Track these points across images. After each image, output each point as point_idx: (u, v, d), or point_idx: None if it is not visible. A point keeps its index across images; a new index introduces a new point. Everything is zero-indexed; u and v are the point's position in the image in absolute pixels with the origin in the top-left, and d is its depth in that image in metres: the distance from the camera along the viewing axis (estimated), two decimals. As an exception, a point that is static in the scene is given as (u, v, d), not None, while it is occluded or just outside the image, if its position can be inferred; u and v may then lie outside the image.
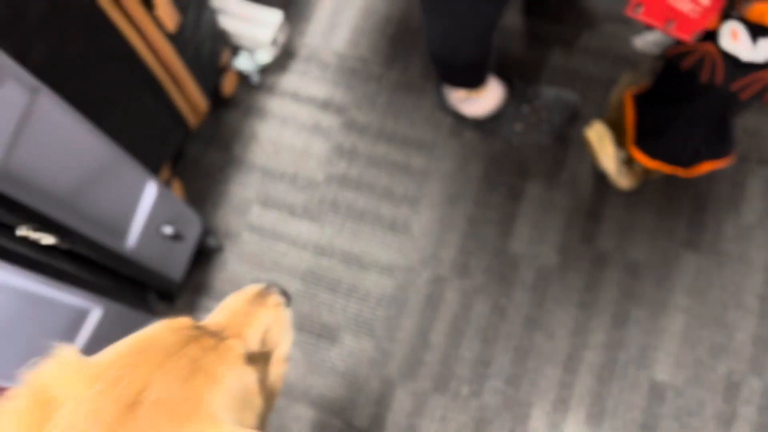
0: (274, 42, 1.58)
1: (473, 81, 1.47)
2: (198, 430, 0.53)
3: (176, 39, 1.30)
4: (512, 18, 1.69)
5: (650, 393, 1.38)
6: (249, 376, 0.62)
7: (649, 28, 1.48)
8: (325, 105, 1.66)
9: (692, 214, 1.49)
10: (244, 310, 0.71)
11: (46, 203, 0.94)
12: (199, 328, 0.65)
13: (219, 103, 1.66)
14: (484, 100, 1.54)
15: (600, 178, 1.52)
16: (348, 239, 1.55)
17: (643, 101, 1.34)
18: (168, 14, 1.23)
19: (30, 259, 0.94)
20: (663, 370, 1.39)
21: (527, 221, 1.53)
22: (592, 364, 1.41)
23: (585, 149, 1.54)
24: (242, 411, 0.59)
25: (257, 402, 0.62)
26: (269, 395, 0.70)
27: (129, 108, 1.26)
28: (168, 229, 1.29)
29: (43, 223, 0.91)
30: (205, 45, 1.46)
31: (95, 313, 1.15)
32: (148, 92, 1.30)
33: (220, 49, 1.54)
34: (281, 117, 1.66)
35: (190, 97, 1.45)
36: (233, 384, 0.59)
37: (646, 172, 1.41)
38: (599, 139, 1.40)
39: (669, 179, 1.50)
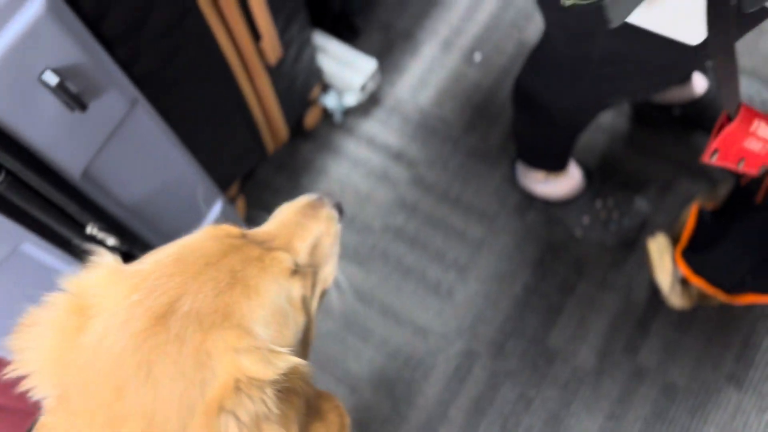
0: (363, 88, 1.63)
1: (555, 164, 1.47)
2: (223, 339, 0.51)
3: (274, 72, 1.36)
4: (607, 115, 1.69)
5: None
6: (293, 290, 0.61)
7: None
8: (398, 156, 1.68)
9: (743, 350, 1.43)
10: (295, 220, 0.71)
11: (117, 206, 0.99)
12: (245, 236, 0.64)
13: (299, 133, 1.71)
14: (560, 183, 1.53)
15: (656, 291, 1.49)
16: (390, 292, 1.55)
17: (705, 215, 1.30)
18: (272, 47, 1.28)
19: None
20: (681, 505, 1.33)
21: (573, 317, 1.50)
22: (607, 480, 1.36)
23: (646, 258, 1.51)
24: (281, 327, 0.58)
25: (299, 319, 0.62)
26: (312, 314, 0.69)
27: (216, 127, 1.31)
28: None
29: (111, 225, 0.96)
30: (299, 78, 1.51)
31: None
32: (237, 115, 1.35)
33: (312, 84, 1.60)
34: (354, 159, 1.69)
35: (273, 126, 1.50)
36: (273, 298, 0.58)
37: (703, 297, 1.37)
38: (659, 251, 1.37)
39: (725, 309, 1.44)
